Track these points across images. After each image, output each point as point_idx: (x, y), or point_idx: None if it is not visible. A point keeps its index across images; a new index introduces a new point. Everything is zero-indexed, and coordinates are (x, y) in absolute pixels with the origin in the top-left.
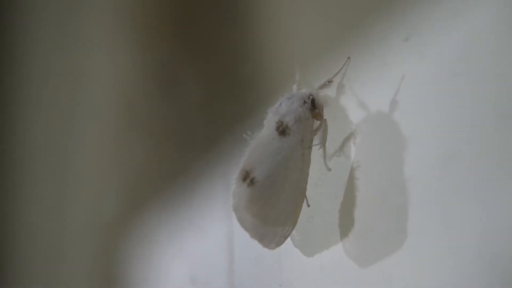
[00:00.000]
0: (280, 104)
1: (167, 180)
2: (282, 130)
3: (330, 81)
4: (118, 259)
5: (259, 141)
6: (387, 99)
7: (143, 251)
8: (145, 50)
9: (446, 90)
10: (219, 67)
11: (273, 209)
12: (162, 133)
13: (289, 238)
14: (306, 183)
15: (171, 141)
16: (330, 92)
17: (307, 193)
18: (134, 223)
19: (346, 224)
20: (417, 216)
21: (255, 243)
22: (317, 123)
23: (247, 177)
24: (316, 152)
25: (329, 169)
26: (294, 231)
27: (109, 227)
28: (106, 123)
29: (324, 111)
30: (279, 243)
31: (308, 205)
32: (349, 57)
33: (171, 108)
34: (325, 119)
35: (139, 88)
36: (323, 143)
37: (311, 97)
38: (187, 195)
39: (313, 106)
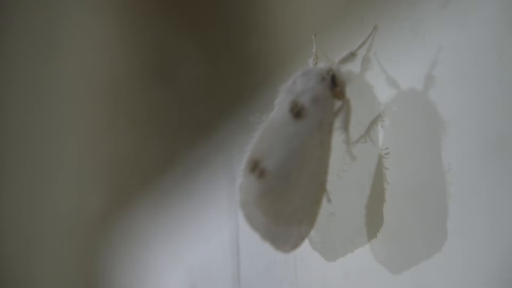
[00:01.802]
0: (295, 81)
1: (160, 174)
2: (297, 111)
3: (353, 54)
4: (103, 267)
5: (270, 125)
6: (421, 75)
7: (133, 257)
8: (133, 21)
9: (490, 65)
10: (220, 39)
11: (288, 205)
12: (153, 119)
13: (306, 240)
14: (327, 174)
15: (165, 128)
16: (354, 67)
17: (327, 186)
18: (121, 224)
19: (374, 222)
20: (458, 212)
21: (265, 247)
22: (338, 103)
23: (256, 168)
24: (337, 138)
25: (354, 158)
26: (312, 232)
27: (91, 230)
28: (88, 108)
29: (347, 89)
30: (295, 245)
31: (329, 200)
32: (376, 26)
33: (164, 90)
34: (348, 99)
35: (127, 68)
36: (346, 127)
37: (331, 72)
38: (184, 191)
39: (334, 83)
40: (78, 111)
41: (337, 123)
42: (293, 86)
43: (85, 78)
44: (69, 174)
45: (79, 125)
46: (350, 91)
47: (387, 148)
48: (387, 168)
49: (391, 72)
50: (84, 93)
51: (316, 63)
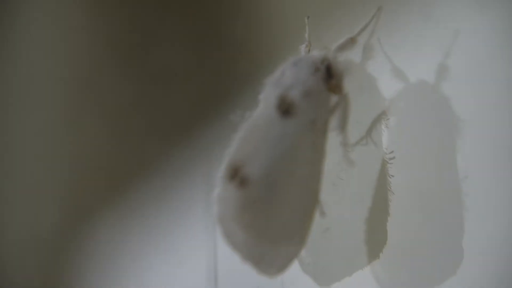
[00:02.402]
0: (283, 72)
1: (129, 181)
2: (285, 108)
3: (353, 40)
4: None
5: (253, 124)
6: (432, 66)
7: (95, 277)
8: (103, 9)
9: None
10: (198, 24)
11: (274, 220)
12: (123, 118)
13: (295, 261)
14: (320, 182)
15: (135, 128)
16: (354, 55)
17: (321, 197)
18: (82, 240)
19: (376, 240)
20: (476, 229)
21: (248, 270)
22: (334, 98)
23: (236, 175)
24: (333, 140)
25: (352, 163)
26: (303, 251)
27: (48, 247)
28: (49, 106)
29: (345, 81)
30: (283, 267)
31: (323, 214)
32: (380, 7)
33: (135, 85)
34: (346, 93)
35: (94, 60)
36: (343, 127)
37: (326, 62)
38: (155, 202)
39: (329, 75)
40: (37, 109)
41: (333, 122)
42: (281, 78)
43: (45, 73)
44: (24, 181)
45: (38, 122)
46: (348, 84)
47: (392, 152)
48: (392, 176)
49: (397, 62)
50: (44, 90)
51: (309, 50)
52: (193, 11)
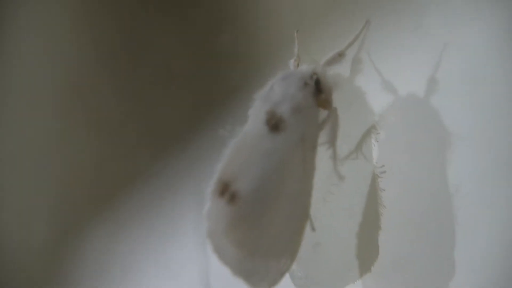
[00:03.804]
0: (272, 87)
1: (118, 194)
2: (274, 124)
3: (342, 54)
4: None
5: (243, 140)
6: (422, 78)
7: (88, 279)
8: (91, 15)
9: (506, 66)
10: (186, 36)
11: (264, 235)
12: (114, 125)
13: (287, 275)
14: (310, 197)
15: (124, 139)
16: (343, 69)
17: (311, 212)
18: (72, 253)
19: (368, 254)
20: (468, 243)
21: (240, 284)
22: (324, 113)
23: (226, 190)
24: (323, 154)
25: (342, 178)
26: (294, 265)
27: (39, 258)
28: (40, 109)
29: (334, 96)
30: (274, 282)
31: (313, 229)
32: (368, 20)
33: (124, 95)
34: (335, 108)
35: (87, 64)
36: (332, 142)
37: (315, 76)
38: (145, 215)
39: (318, 90)
40: (28, 116)
41: (323, 137)
42: (270, 93)
43: (35, 79)
44: (13, 195)
45: (29, 133)
46: (337, 99)
47: (382, 166)
48: (383, 190)
49: (387, 75)
50: (34, 96)
51: (297, 64)
52: (181, 25)
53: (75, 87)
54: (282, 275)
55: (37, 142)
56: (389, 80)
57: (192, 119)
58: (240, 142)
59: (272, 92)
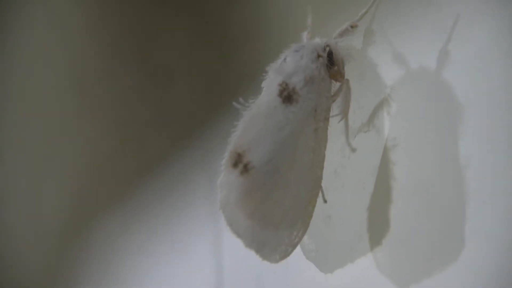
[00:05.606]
0: (285, 59)
1: (131, 178)
2: (287, 95)
3: (354, 26)
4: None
5: (255, 111)
6: (434, 51)
7: (101, 273)
8: (104, 11)
9: None
10: (200, 19)
11: (276, 206)
12: (125, 118)
13: (298, 247)
14: (322, 169)
15: (137, 128)
16: (355, 41)
17: (323, 184)
18: (87, 239)
19: (378, 227)
20: (478, 216)
21: (252, 256)
22: (336, 85)
23: (239, 161)
24: (335, 126)
25: (354, 150)
26: (305, 237)
27: (50, 248)
28: (46, 100)
29: (346, 68)
30: (285, 254)
31: (325, 201)
32: None
33: (139, 85)
34: (348, 80)
35: (94, 58)
36: (345, 114)
37: (327, 48)
38: (158, 199)
39: (331, 62)
40: (39, 109)
41: (335, 109)
42: (283, 65)
43: (43, 73)
44: (23, 183)
45: (39, 126)
46: (350, 71)
47: (394, 139)
48: (394, 163)
49: (399, 48)
50: (43, 90)
51: (310, 37)
52: (190, 15)
53: (86, 83)
54: (293, 247)
55: (52, 132)
56: (401, 53)
57: (205, 97)
58: (253, 114)
59: (285, 64)
